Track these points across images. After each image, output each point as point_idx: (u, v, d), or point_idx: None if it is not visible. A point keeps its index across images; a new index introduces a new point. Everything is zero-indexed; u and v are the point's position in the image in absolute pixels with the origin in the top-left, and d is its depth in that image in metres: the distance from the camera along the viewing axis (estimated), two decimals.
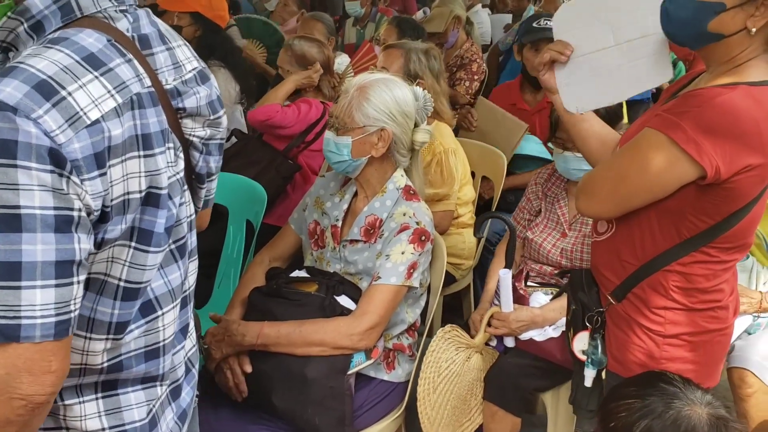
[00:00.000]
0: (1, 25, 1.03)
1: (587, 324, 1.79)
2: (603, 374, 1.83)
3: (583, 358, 1.82)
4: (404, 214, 2.04)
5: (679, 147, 1.45)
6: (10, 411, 0.93)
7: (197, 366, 1.39)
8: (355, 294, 2.03)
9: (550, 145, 2.55)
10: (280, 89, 3.11)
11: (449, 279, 2.92)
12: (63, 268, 0.93)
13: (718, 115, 1.44)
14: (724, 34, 1.47)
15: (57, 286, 0.92)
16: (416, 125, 2.11)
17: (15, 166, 0.89)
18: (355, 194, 2.17)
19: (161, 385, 1.22)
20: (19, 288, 0.90)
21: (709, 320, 1.65)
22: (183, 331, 1.29)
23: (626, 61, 1.67)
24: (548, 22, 3.39)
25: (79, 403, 1.12)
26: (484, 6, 6.73)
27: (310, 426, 1.88)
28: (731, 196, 1.51)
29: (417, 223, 2.02)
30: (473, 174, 3.10)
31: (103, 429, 1.14)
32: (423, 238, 2.02)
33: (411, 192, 2.12)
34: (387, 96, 2.02)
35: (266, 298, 2.02)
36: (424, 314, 2.24)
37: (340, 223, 2.12)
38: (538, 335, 2.29)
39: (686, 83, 1.68)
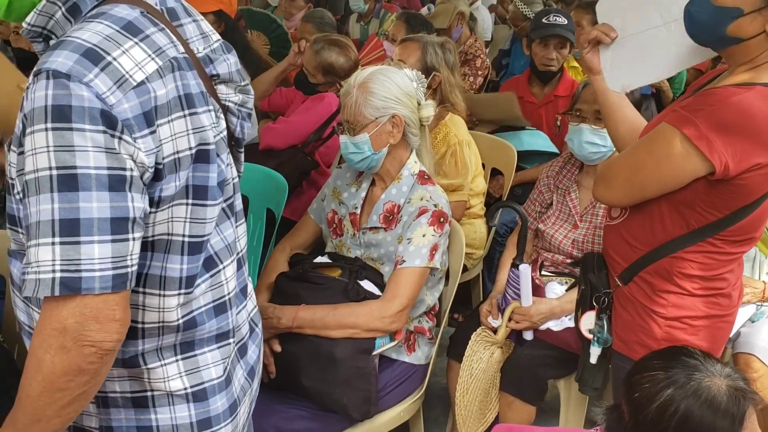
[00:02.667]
0: (41, 10, 1.08)
1: (595, 304, 1.87)
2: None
3: (590, 336, 1.90)
4: (421, 198, 2.11)
5: (691, 143, 1.51)
6: (82, 359, 1.00)
7: (260, 326, 1.46)
8: (377, 278, 2.10)
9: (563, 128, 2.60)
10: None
11: None
12: (118, 225, 0.99)
13: (731, 113, 1.50)
14: (742, 37, 1.52)
15: (113, 241, 0.98)
16: (419, 103, 2.17)
17: (71, 129, 0.95)
18: (372, 183, 2.23)
19: (232, 343, 1.29)
20: (78, 243, 0.96)
21: (710, 306, 1.72)
22: (243, 292, 1.37)
23: (673, 39, 1.73)
24: (557, 19, 3.47)
25: (161, 365, 1.18)
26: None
27: (337, 405, 1.94)
28: (740, 192, 1.57)
29: (435, 206, 2.09)
30: (483, 166, 3.17)
31: (185, 388, 1.21)
32: (442, 219, 2.09)
33: (425, 177, 2.19)
34: (388, 84, 2.08)
35: (293, 283, 2.08)
36: (441, 299, 2.31)
37: (358, 211, 2.19)
38: (555, 325, 2.36)
39: (708, 81, 1.73)
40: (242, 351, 1.36)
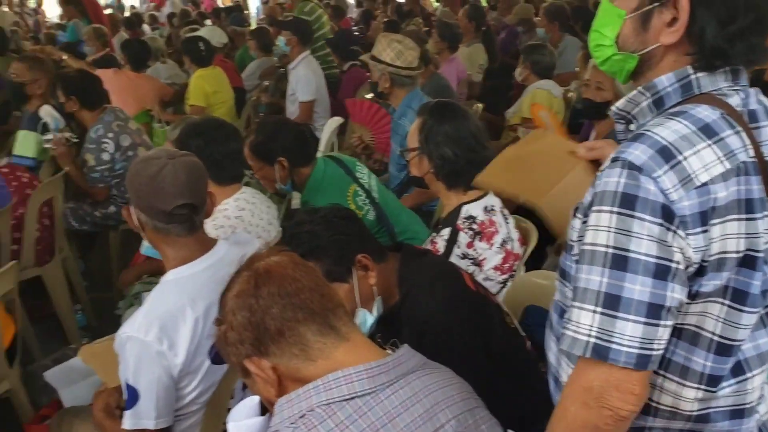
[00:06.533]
0: (630, 98, 1.22)
1: None
2: None
3: None
4: None
5: None
6: (599, 419, 1.11)
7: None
8: None
9: None
10: None
11: None
12: (653, 310, 1.07)
13: None
14: None
15: (645, 324, 1.07)
16: None
17: (632, 216, 1.06)
18: None
19: None
20: (615, 317, 1.07)
21: None
22: (759, 398, 1.30)
23: None
24: None
25: None
26: None
27: None
28: None
29: None
30: None
31: None
32: None
33: None
34: None
35: None
36: None
37: None
38: None
39: None
40: None
